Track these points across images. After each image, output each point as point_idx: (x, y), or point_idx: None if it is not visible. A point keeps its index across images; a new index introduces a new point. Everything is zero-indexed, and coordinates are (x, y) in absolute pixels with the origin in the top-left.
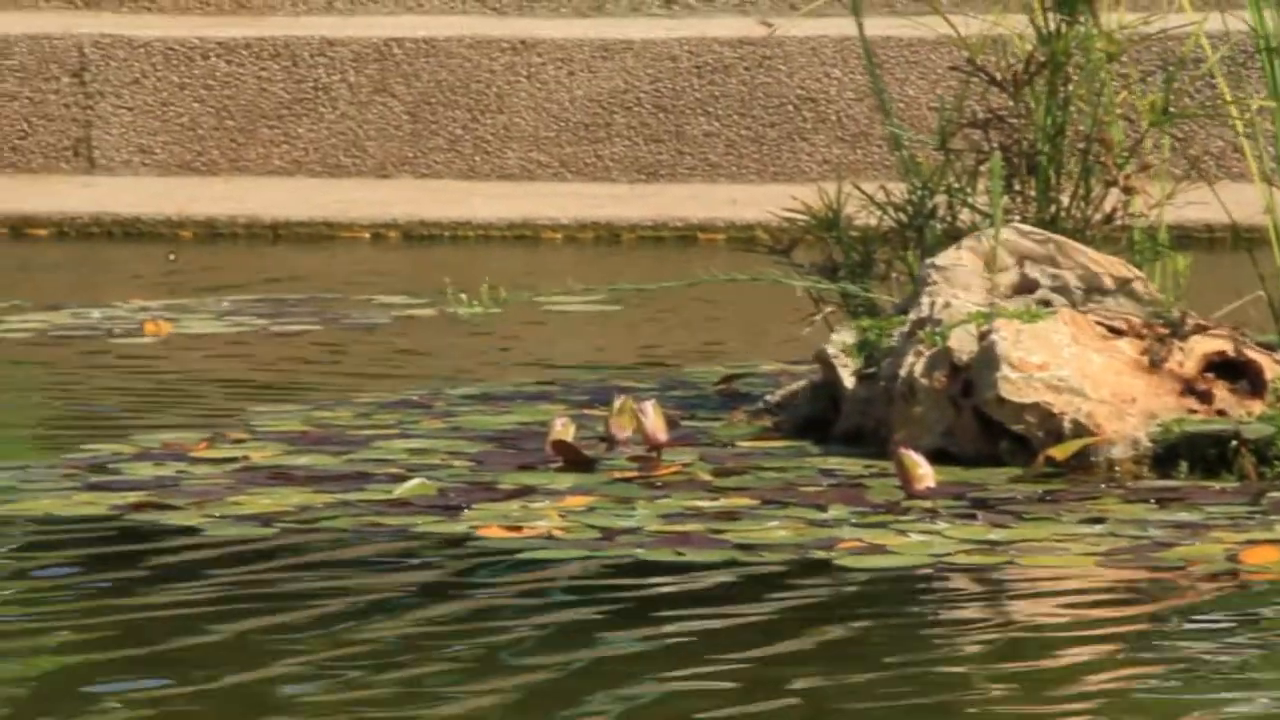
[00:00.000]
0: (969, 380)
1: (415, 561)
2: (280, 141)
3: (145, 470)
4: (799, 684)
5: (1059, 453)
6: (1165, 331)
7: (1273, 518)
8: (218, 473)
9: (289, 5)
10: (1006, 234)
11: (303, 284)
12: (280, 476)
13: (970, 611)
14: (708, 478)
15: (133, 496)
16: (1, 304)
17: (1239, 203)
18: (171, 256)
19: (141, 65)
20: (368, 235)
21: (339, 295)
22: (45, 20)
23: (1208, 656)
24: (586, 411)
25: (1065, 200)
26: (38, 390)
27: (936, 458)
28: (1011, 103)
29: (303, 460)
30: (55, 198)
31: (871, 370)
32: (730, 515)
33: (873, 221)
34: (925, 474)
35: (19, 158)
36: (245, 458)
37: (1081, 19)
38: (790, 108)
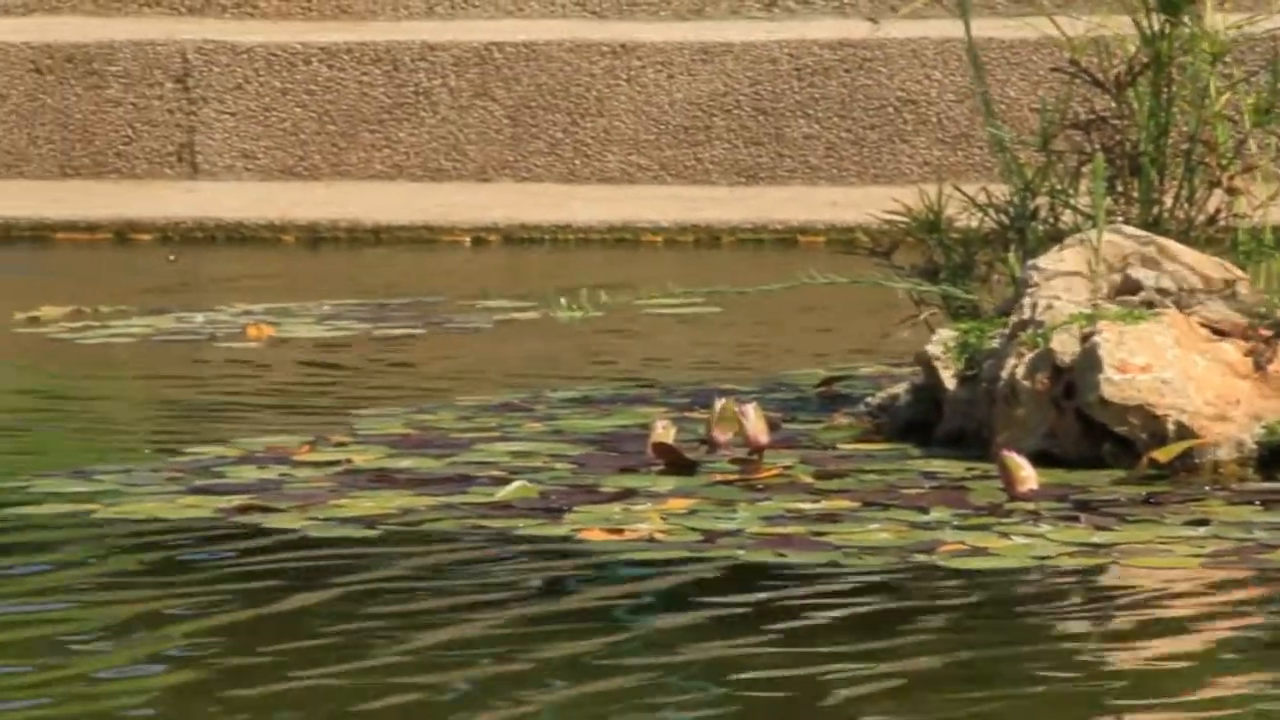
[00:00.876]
0: (1071, 382)
1: (517, 565)
2: (381, 146)
3: (249, 473)
4: (897, 684)
5: (1163, 455)
6: (1269, 333)
7: None
8: (320, 475)
9: (390, 10)
10: (1109, 235)
11: (404, 288)
12: (383, 479)
13: (1073, 614)
14: (809, 480)
15: (237, 499)
16: (106, 308)
17: None
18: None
19: (244, 71)
20: (468, 239)
21: (440, 299)
22: (149, 26)
23: None
24: (687, 414)
25: (1168, 201)
26: (142, 394)
27: (1039, 460)
28: (1114, 104)
29: (405, 463)
30: (159, 203)
31: (973, 372)
32: (832, 518)
33: (974, 223)
34: (1028, 476)
35: (124, 163)
36: (348, 461)
37: (1185, 19)
38: (891, 110)
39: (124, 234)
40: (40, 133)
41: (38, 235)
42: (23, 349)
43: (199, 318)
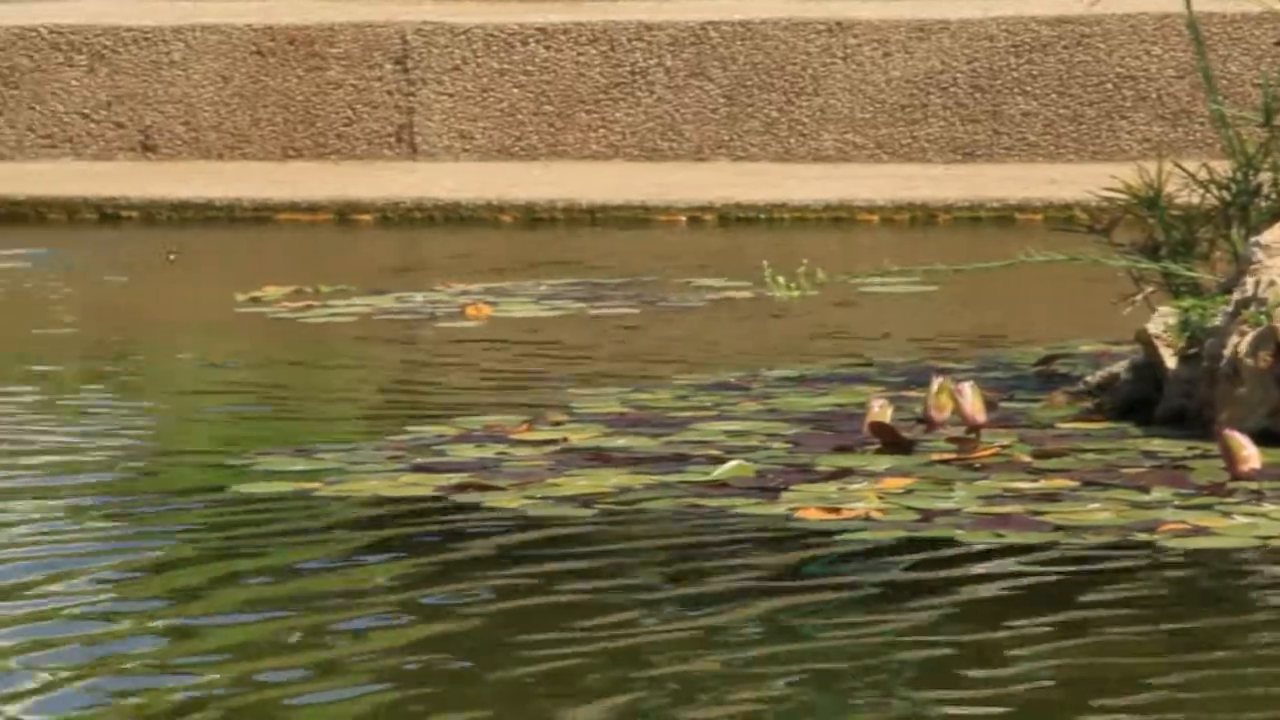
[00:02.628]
0: None
1: (731, 542)
2: (598, 126)
3: (468, 452)
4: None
5: None
6: None
7: None
8: (538, 454)
9: None
10: None
11: (620, 267)
12: (599, 458)
13: None
14: (1027, 459)
15: (456, 478)
16: (327, 288)
17: None
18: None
19: (462, 52)
20: (684, 218)
21: (656, 278)
22: (369, 8)
23: None
24: (904, 393)
25: None
26: (363, 373)
27: (1261, 438)
28: None
29: (621, 442)
30: (379, 184)
31: (1194, 350)
32: (1050, 497)
33: (1195, 200)
34: (1250, 455)
35: (344, 145)
36: (565, 439)
37: None
38: (1109, 86)
39: (344, 215)
40: (263, 114)
41: (260, 216)
42: (246, 329)
43: (418, 297)
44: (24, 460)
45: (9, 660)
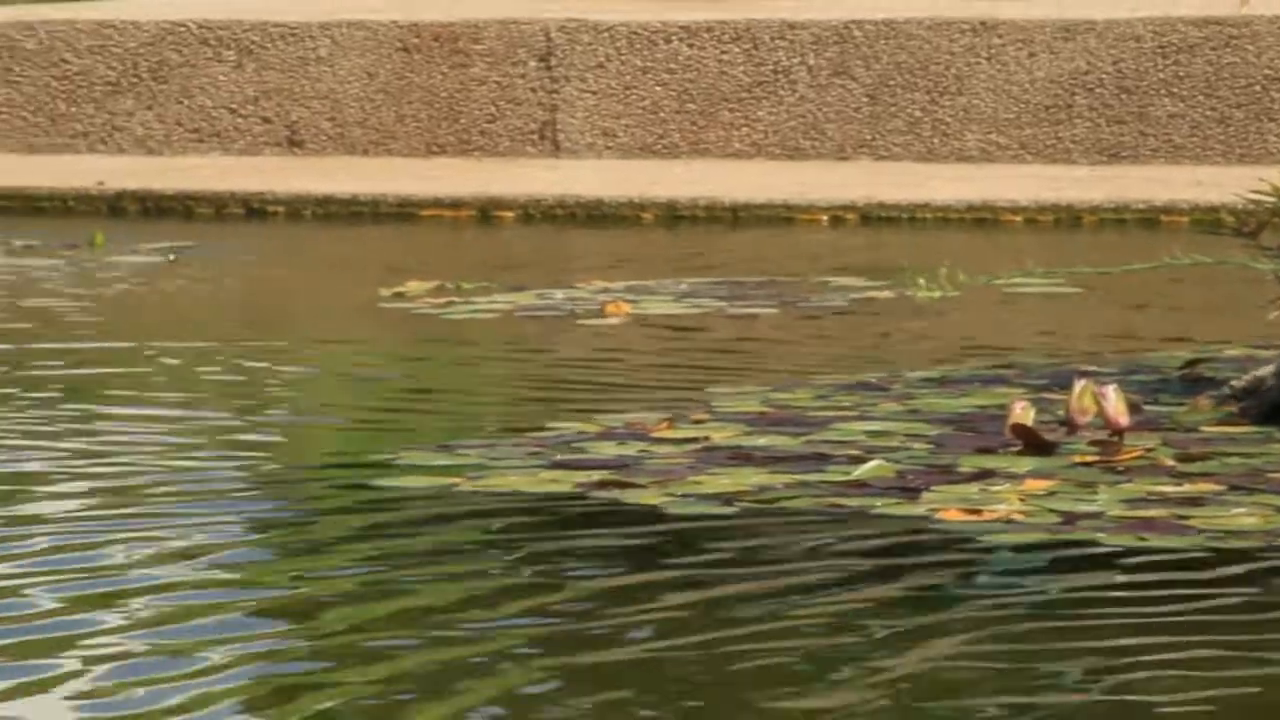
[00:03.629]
0: None
1: (874, 542)
2: (740, 124)
3: (608, 449)
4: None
5: None
6: None
7: None
8: (678, 452)
9: None
10: None
11: (761, 266)
12: (740, 457)
13: None
14: (1171, 463)
15: (597, 475)
16: (469, 285)
17: None
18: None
19: (606, 49)
20: (826, 218)
21: (797, 277)
22: (514, 5)
23: None
24: (1046, 395)
25: None
26: (504, 370)
27: None
28: None
29: (762, 441)
30: (521, 181)
31: None
32: (1195, 501)
33: None
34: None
35: (487, 141)
36: (706, 438)
37: None
38: (1258, 88)
39: (487, 211)
40: (407, 111)
41: (404, 212)
42: (389, 324)
43: (559, 294)
44: (166, 454)
45: (152, 645)
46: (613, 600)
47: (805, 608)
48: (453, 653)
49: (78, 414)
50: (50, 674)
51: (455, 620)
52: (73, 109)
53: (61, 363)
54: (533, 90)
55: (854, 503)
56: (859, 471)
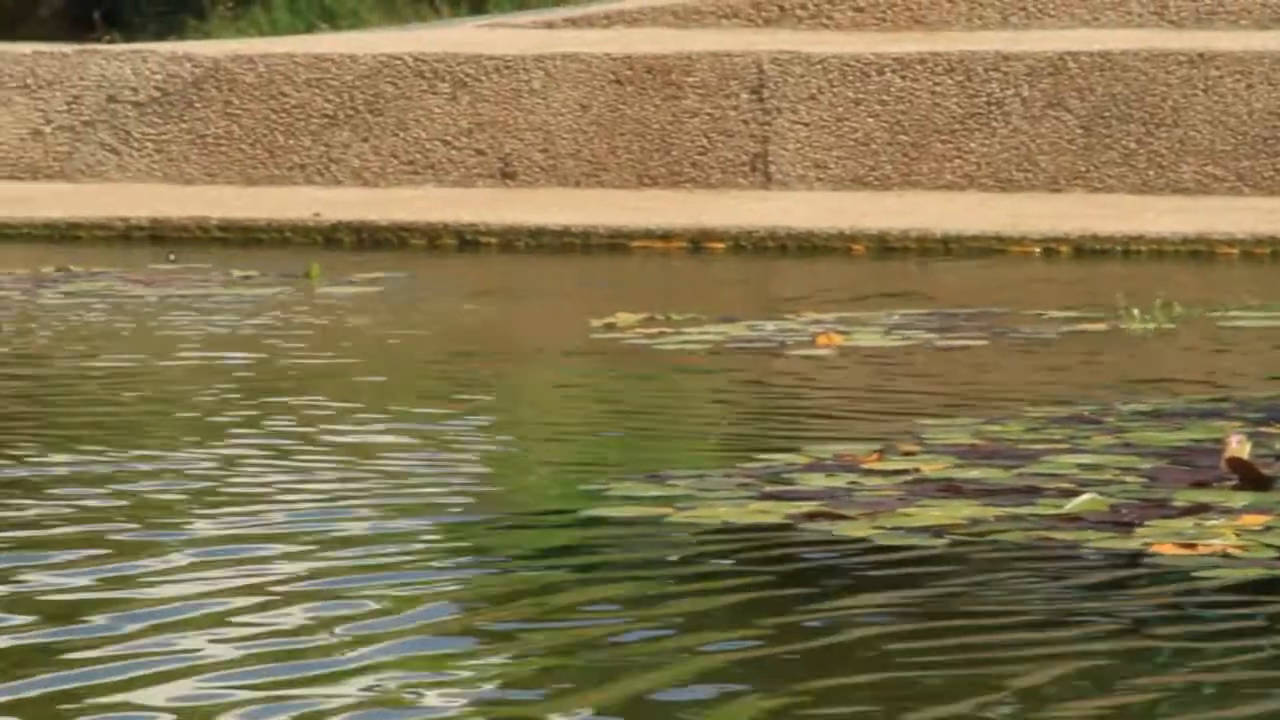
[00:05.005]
0: None
1: (1084, 578)
2: (952, 156)
3: (818, 480)
4: None
5: None
6: None
7: None
8: (889, 484)
9: (964, 20)
10: None
11: (972, 298)
12: (951, 489)
13: None
14: None
15: (807, 506)
16: (679, 316)
17: None
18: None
19: (818, 81)
20: (1038, 249)
21: (1008, 309)
22: (727, 37)
23: None
24: (1263, 429)
25: None
26: (714, 401)
27: None
28: None
29: (973, 473)
30: (732, 212)
31: None
32: None
33: None
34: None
35: (699, 173)
36: (916, 470)
37: None
38: None
39: (698, 242)
40: (619, 142)
41: (615, 243)
42: (600, 354)
43: (769, 326)
44: (379, 480)
45: (363, 673)
46: (823, 631)
47: (1016, 644)
48: (662, 677)
49: (289, 441)
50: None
51: (666, 649)
52: (290, 141)
53: (277, 390)
54: (745, 122)
55: (1066, 536)
56: (1071, 505)
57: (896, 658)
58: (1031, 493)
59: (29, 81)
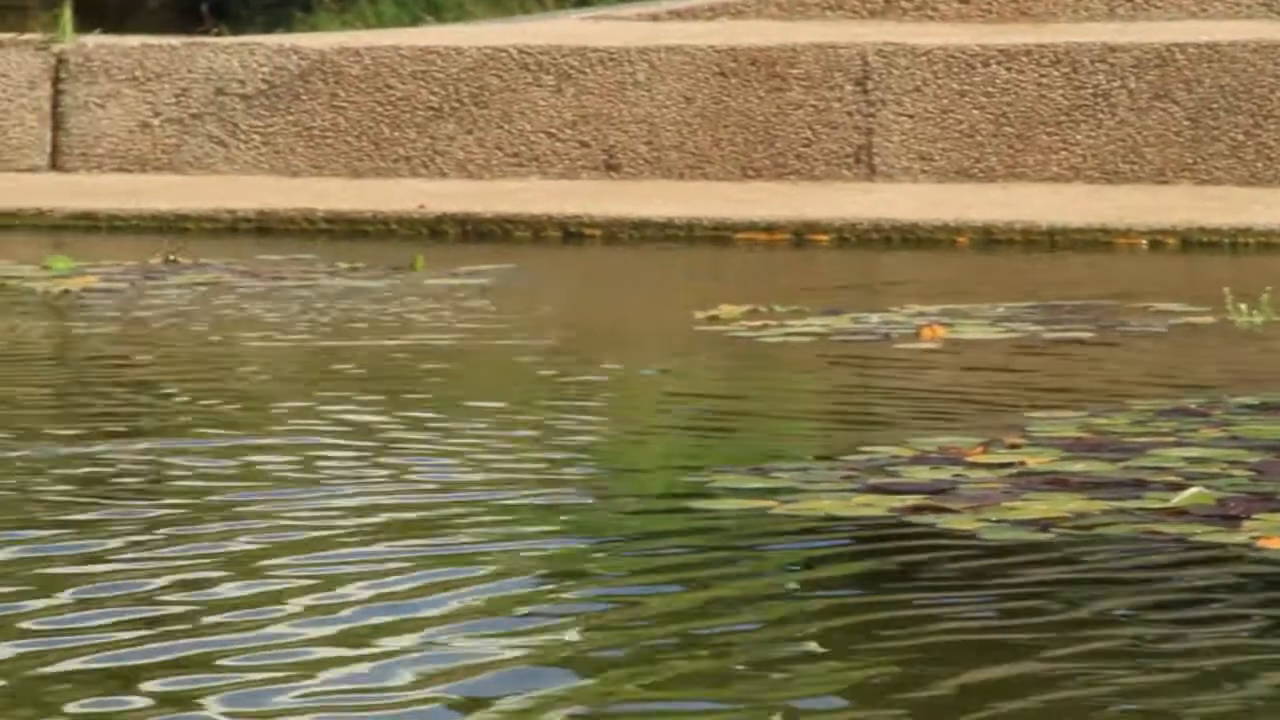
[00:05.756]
0: None
1: (1192, 572)
2: (1058, 148)
3: (922, 473)
4: None
5: None
6: None
7: None
8: (993, 477)
9: (1070, 12)
10: None
11: (1078, 290)
12: (1056, 482)
13: None
14: None
15: (911, 499)
16: (783, 308)
17: None
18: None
19: (923, 73)
20: (1145, 242)
21: (1115, 302)
22: (831, 29)
23: None
24: None
25: None
26: (818, 393)
27: None
28: None
29: (1079, 466)
30: (836, 205)
31: None
32: None
33: None
34: None
35: (803, 165)
36: (1021, 463)
37: None
38: None
39: (801, 235)
40: (724, 135)
41: (718, 235)
42: (703, 347)
43: (874, 318)
44: (477, 474)
45: (473, 667)
46: (930, 623)
47: (1124, 636)
48: (777, 677)
49: (397, 428)
50: (411, 695)
51: (774, 641)
52: (396, 134)
53: (381, 381)
54: (849, 114)
55: (1172, 530)
56: (1178, 498)
57: (997, 649)
58: (1138, 486)
59: (138, 74)
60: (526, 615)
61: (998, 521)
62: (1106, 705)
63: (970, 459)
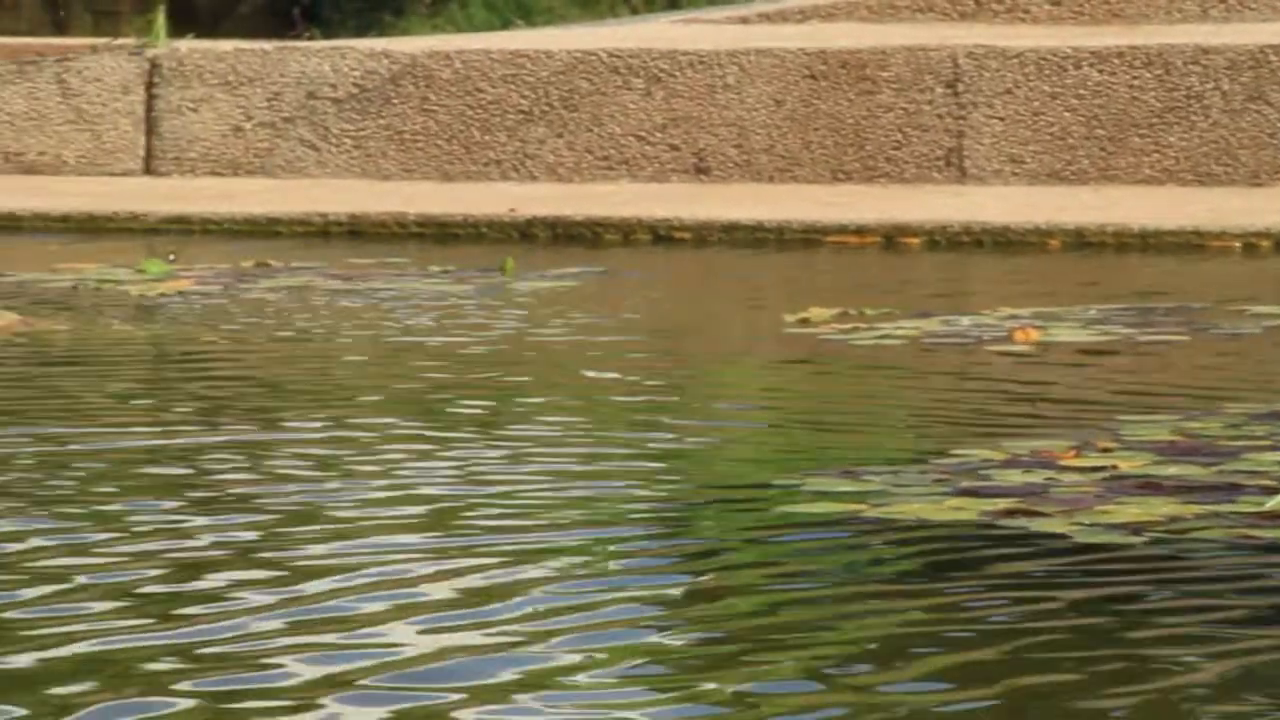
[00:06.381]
0: None
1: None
2: (1150, 150)
3: (1014, 477)
4: None
5: None
6: None
7: None
8: (1086, 481)
9: (1162, 14)
10: None
11: (1171, 293)
12: (1149, 486)
13: None
14: None
15: (1002, 503)
16: (873, 311)
17: None
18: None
19: (1014, 75)
20: (1238, 244)
21: (1208, 305)
22: (922, 31)
23: None
24: None
25: None
26: (909, 397)
27: None
28: None
29: (1172, 470)
30: (927, 207)
31: None
32: None
33: None
34: None
35: (893, 168)
36: (1114, 466)
37: None
38: None
39: (892, 238)
40: (813, 137)
41: (808, 238)
42: (794, 350)
43: (965, 321)
44: (567, 474)
45: (561, 655)
46: (1023, 630)
47: (1219, 641)
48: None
49: (493, 428)
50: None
51: (864, 645)
52: (486, 137)
53: (470, 382)
54: (939, 116)
55: (1267, 534)
56: (1272, 503)
57: (1090, 652)
58: (1232, 490)
59: (230, 78)
60: (620, 612)
61: (1090, 525)
62: (1201, 705)
63: (1062, 462)
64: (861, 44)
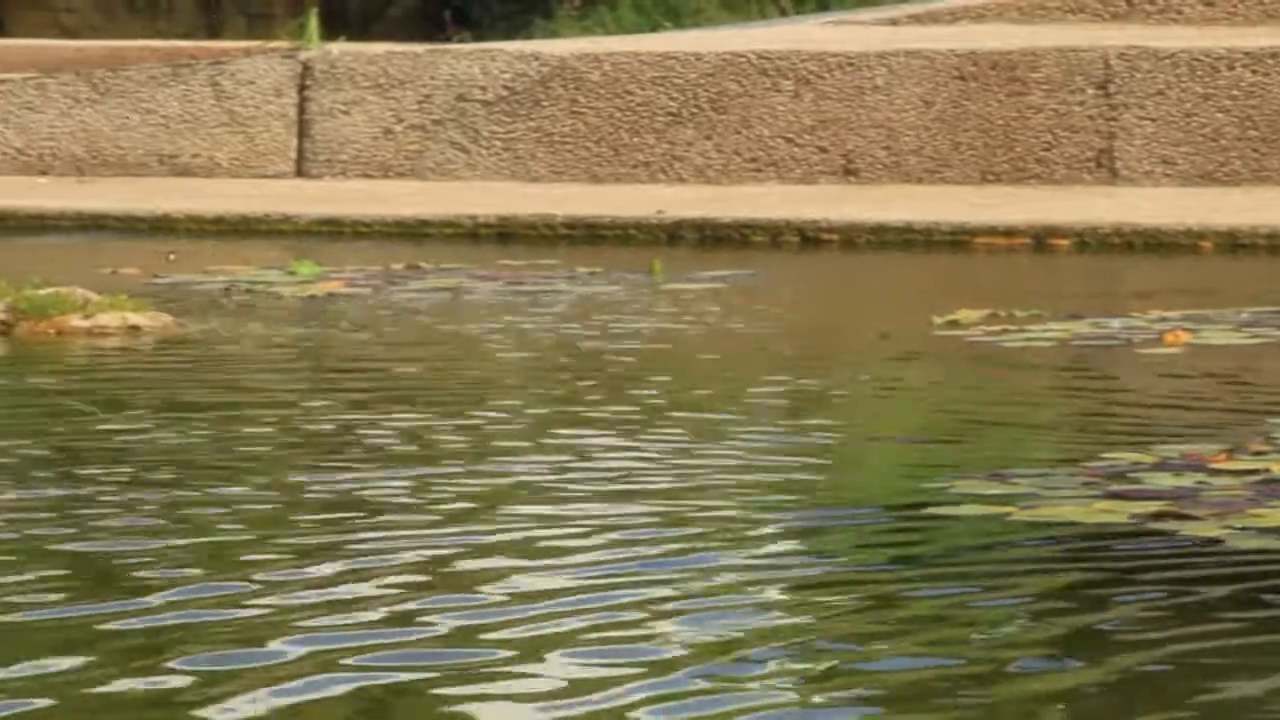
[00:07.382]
0: None
1: None
2: None
3: (1164, 480)
4: None
5: None
6: None
7: None
8: (1238, 484)
9: None
10: None
11: None
12: None
13: None
14: None
15: (1152, 506)
16: (1023, 313)
17: None
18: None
19: (1166, 76)
20: None
21: None
22: (1073, 32)
23: None
24: None
25: None
26: (1059, 399)
27: None
28: None
29: None
30: (1077, 209)
31: None
32: None
33: None
34: None
35: (1043, 169)
36: (1266, 470)
37: None
38: None
39: (1042, 239)
40: (963, 139)
41: (957, 240)
42: (943, 352)
43: (1115, 323)
44: (714, 478)
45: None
46: (1176, 635)
47: None
48: (999, 692)
49: (638, 429)
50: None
51: (1009, 644)
52: (635, 139)
53: (625, 381)
54: (1090, 118)
55: None
56: None
57: (1236, 655)
58: None
59: (381, 81)
60: (777, 614)
61: (1243, 529)
62: None
63: (1213, 465)
64: (1011, 45)
